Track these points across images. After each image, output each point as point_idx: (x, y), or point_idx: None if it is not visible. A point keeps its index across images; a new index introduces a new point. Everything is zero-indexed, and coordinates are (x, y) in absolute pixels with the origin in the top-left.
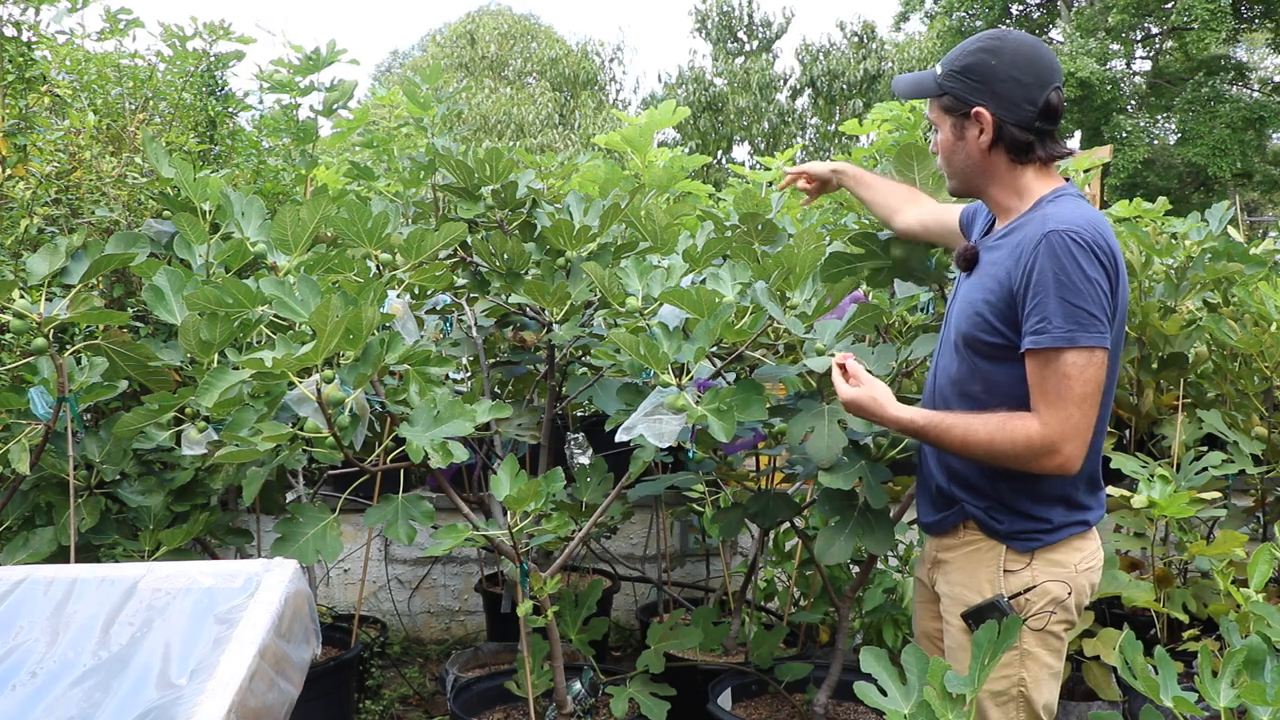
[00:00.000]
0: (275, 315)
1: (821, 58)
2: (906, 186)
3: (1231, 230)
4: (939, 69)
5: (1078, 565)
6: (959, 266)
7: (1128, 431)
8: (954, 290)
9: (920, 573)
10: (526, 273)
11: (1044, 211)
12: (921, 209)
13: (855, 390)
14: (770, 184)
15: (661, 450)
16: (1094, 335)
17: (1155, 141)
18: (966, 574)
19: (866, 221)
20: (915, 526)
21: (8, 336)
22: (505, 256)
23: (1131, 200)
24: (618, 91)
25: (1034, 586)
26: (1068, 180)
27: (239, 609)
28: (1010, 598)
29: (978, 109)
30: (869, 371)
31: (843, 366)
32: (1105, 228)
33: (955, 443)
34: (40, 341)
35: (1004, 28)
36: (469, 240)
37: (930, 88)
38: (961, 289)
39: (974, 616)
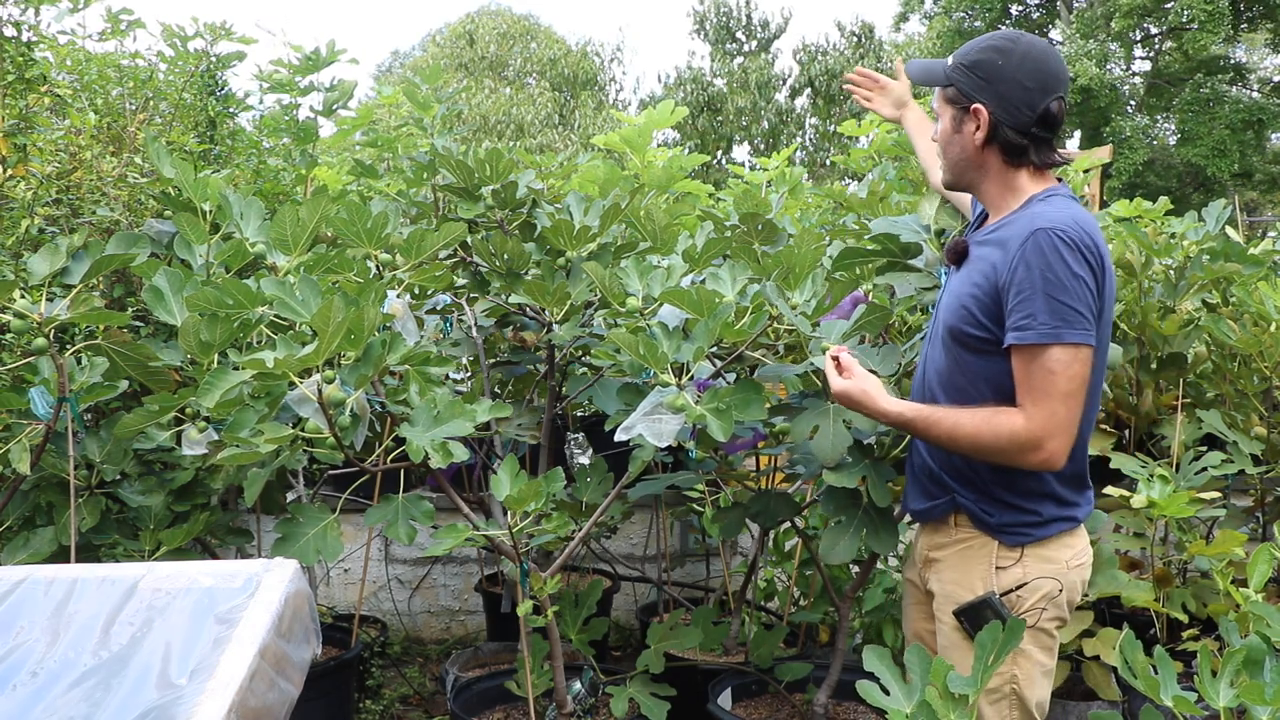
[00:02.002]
0: (275, 316)
1: (820, 57)
2: None
3: (1230, 230)
4: (950, 59)
5: (1069, 562)
6: (948, 260)
7: (1127, 431)
8: (944, 284)
9: (910, 574)
10: (526, 273)
11: (1033, 210)
12: None
13: (846, 382)
14: (769, 184)
15: (661, 450)
16: (1079, 332)
17: (1155, 142)
18: (959, 571)
19: (865, 221)
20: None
21: (8, 336)
22: (505, 256)
23: (1131, 200)
24: (617, 92)
25: (1026, 583)
26: (1061, 181)
27: (239, 609)
28: (1002, 594)
29: (976, 105)
30: (871, 370)
31: (836, 360)
32: (1093, 227)
33: (942, 436)
34: (41, 341)
35: (1020, 30)
36: (469, 240)
37: (939, 76)
38: (951, 282)
39: (966, 614)
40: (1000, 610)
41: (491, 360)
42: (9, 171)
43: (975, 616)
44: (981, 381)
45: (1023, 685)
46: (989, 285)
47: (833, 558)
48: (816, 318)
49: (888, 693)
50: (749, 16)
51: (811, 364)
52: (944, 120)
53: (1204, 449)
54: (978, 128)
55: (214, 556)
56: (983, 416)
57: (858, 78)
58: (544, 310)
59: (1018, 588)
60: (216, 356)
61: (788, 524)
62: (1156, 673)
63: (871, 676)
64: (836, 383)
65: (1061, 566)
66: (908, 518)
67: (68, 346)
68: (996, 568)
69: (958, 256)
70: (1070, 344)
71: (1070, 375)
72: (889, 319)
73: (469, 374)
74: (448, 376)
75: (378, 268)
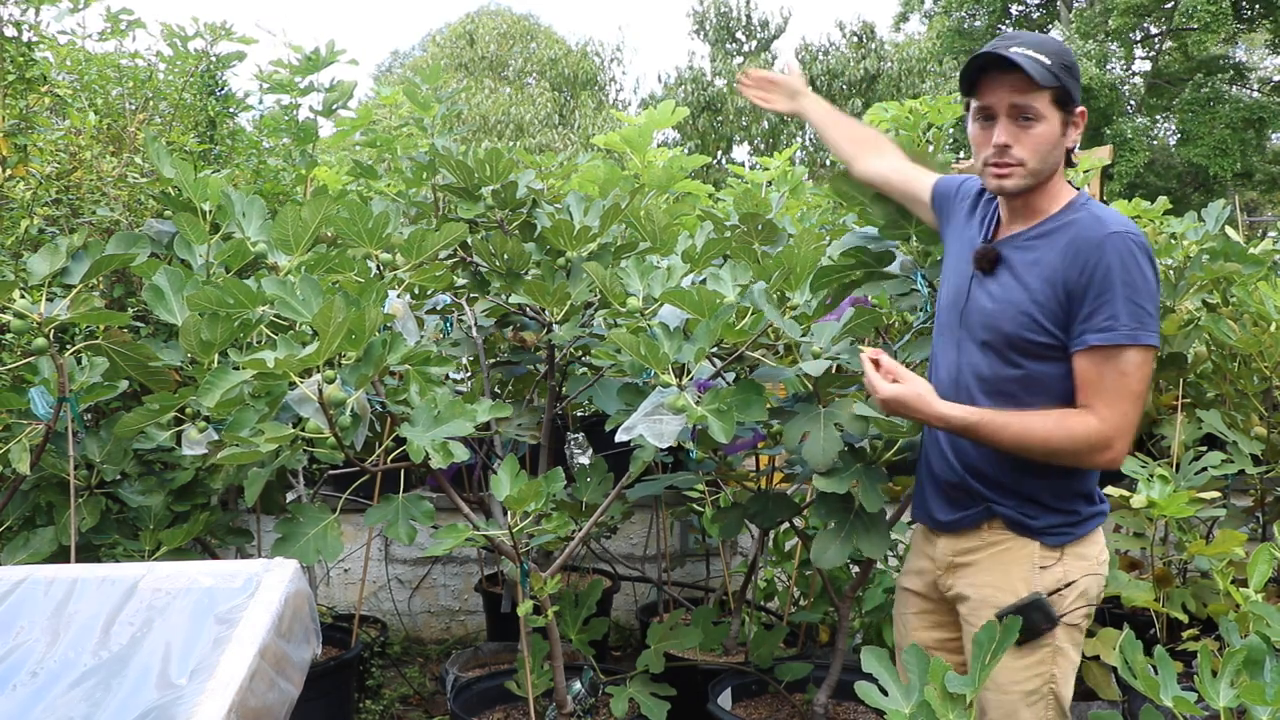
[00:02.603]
0: (276, 315)
1: (821, 57)
2: (875, 133)
3: (1230, 230)
4: (1044, 57)
5: (1098, 557)
6: (977, 266)
7: None
8: (964, 283)
9: (912, 583)
10: (526, 273)
11: (1087, 213)
12: (886, 160)
13: (897, 387)
14: (770, 184)
15: (661, 450)
16: (1152, 335)
17: (1155, 142)
18: (996, 574)
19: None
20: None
21: (8, 336)
22: (505, 256)
23: (1131, 200)
24: (617, 92)
25: (1071, 583)
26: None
27: (239, 609)
28: (1048, 594)
29: (1082, 110)
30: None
31: (875, 362)
32: None
33: (1010, 440)
34: (41, 341)
35: None
36: (469, 240)
37: (1048, 74)
38: (991, 288)
39: (1013, 616)
40: (1049, 610)
41: (491, 360)
42: (9, 171)
43: (1024, 618)
44: (1037, 385)
45: (1060, 684)
46: (1051, 290)
47: (824, 562)
48: (817, 319)
49: (886, 693)
50: (749, 16)
51: (801, 369)
52: (1050, 123)
53: (1204, 449)
54: (1077, 131)
55: (214, 556)
56: (1054, 419)
57: (749, 81)
58: (544, 310)
59: (1063, 587)
60: (217, 356)
61: (787, 524)
62: (1156, 673)
63: (870, 678)
64: (885, 389)
65: (1094, 562)
66: (904, 518)
67: (68, 346)
68: (1040, 568)
69: (991, 263)
70: (1145, 345)
71: (1141, 376)
72: (879, 321)
73: (469, 374)
74: (448, 376)
75: (378, 268)
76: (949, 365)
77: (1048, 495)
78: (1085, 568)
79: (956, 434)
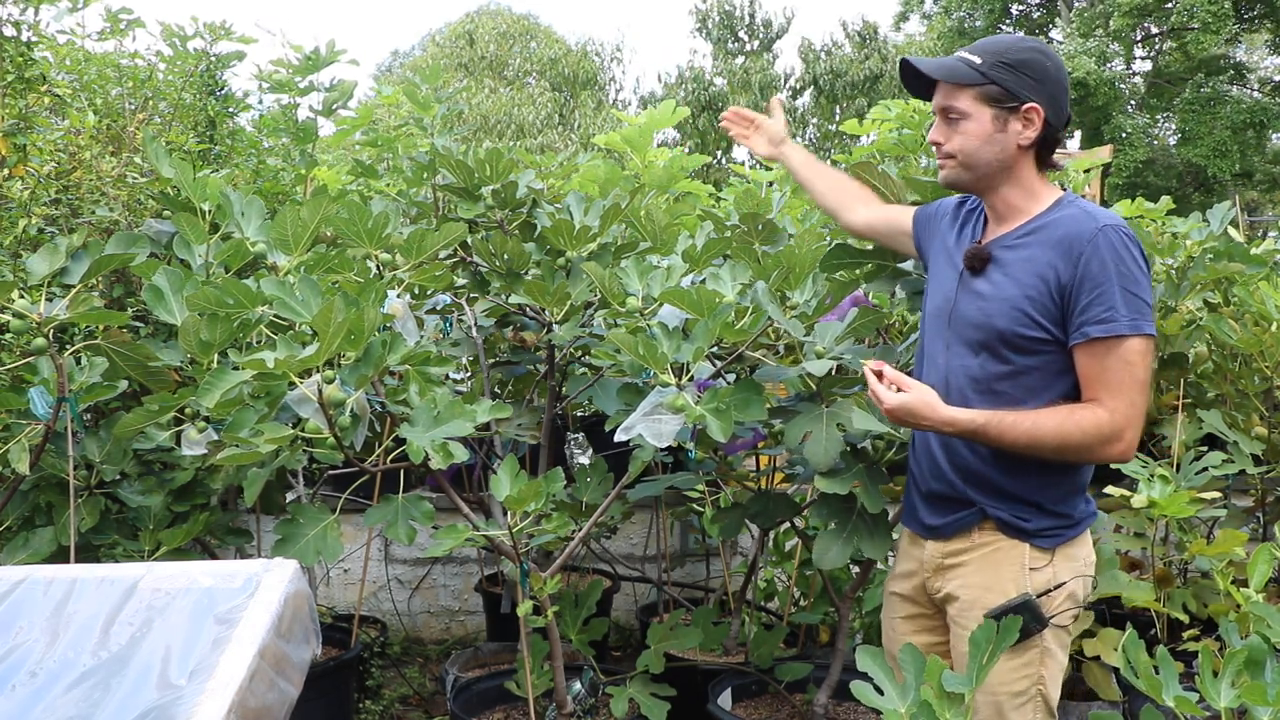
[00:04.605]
0: (275, 316)
1: (824, 56)
2: (854, 181)
3: (1231, 230)
4: (975, 57)
5: (1086, 559)
6: (967, 266)
7: None
8: (949, 288)
9: (899, 586)
10: (526, 273)
11: (1077, 209)
12: (870, 208)
13: (904, 396)
14: (771, 184)
15: (661, 450)
16: (1150, 324)
17: (1155, 141)
18: (986, 575)
19: None
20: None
21: (8, 336)
22: (505, 256)
23: (1133, 200)
24: (617, 91)
25: (1061, 584)
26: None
27: (239, 609)
28: (1037, 596)
29: (1033, 105)
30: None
31: (878, 374)
32: None
33: (1020, 438)
34: (40, 341)
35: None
36: (469, 240)
37: (970, 74)
38: (973, 286)
39: (1002, 617)
40: (1039, 612)
41: (491, 360)
42: (9, 171)
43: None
44: (1033, 382)
45: (1048, 685)
46: (1045, 286)
47: (825, 563)
48: (816, 318)
49: (882, 693)
50: (752, 15)
51: (804, 368)
52: (978, 120)
53: (1204, 449)
54: (1027, 127)
55: (214, 556)
56: (1063, 414)
57: (733, 116)
58: (544, 310)
59: (1054, 588)
60: (216, 356)
61: (787, 524)
62: (1158, 673)
63: (867, 677)
64: (891, 398)
65: (1082, 564)
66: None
67: (67, 346)
68: (1030, 569)
69: (981, 263)
70: (1145, 335)
71: (1145, 365)
72: (883, 321)
73: (469, 374)
74: (448, 376)
75: (378, 268)
76: (938, 370)
77: (1046, 498)
78: (1074, 569)
79: (965, 437)
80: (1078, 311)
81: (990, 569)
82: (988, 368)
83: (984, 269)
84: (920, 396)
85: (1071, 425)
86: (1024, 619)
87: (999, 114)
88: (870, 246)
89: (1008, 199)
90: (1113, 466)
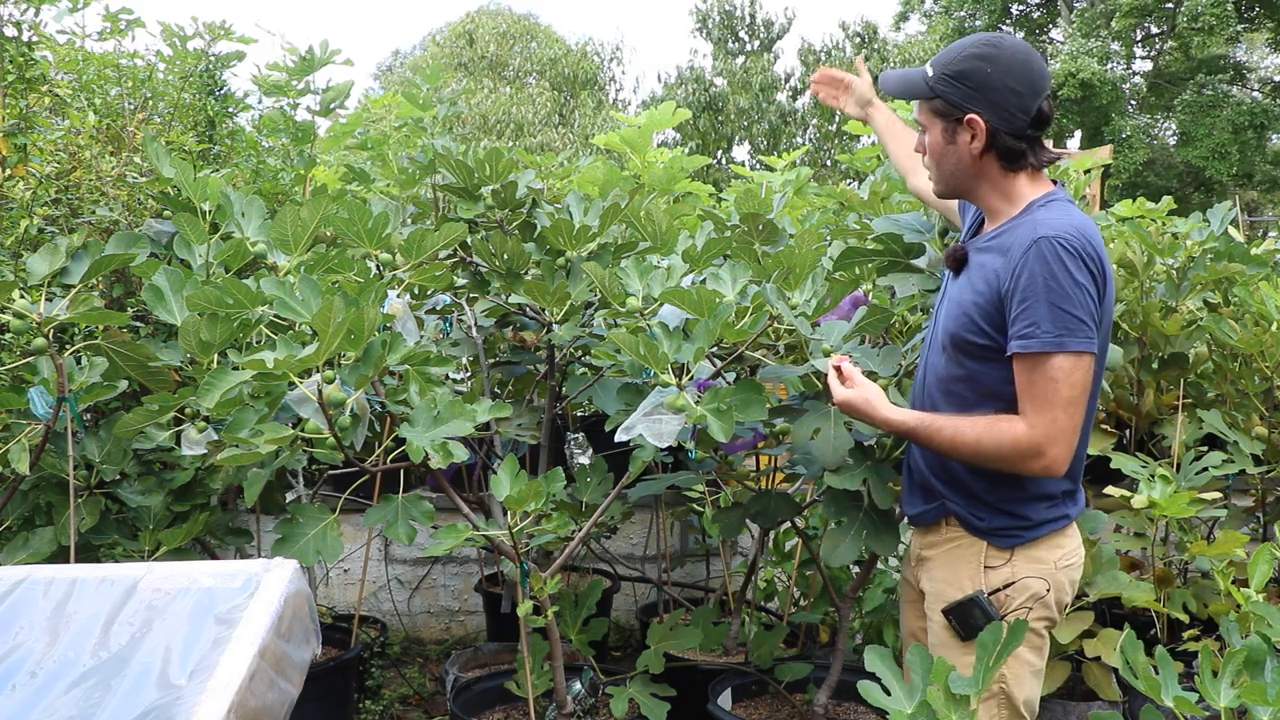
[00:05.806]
0: (275, 316)
1: (824, 57)
2: None
3: (1231, 230)
4: (930, 70)
5: (1057, 562)
6: (948, 266)
7: (1128, 431)
8: (942, 289)
9: (906, 572)
10: (526, 273)
11: (1034, 216)
12: None
13: (848, 391)
14: (777, 184)
15: (661, 450)
16: (1081, 340)
17: (1155, 142)
18: (948, 570)
19: (867, 221)
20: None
21: (8, 336)
22: (505, 256)
23: (1134, 200)
24: (617, 91)
25: (1014, 582)
26: (1057, 184)
27: (239, 609)
28: (990, 594)
29: (971, 116)
30: (869, 374)
31: (838, 368)
32: (1094, 234)
33: (944, 444)
34: (40, 341)
35: (998, 33)
36: (469, 240)
37: (921, 89)
38: (950, 289)
39: (954, 613)
40: (988, 609)
41: (491, 360)
42: (9, 171)
43: (963, 615)
44: (982, 388)
45: (1011, 684)
46: (991, 292)
47: (834, 560)
48: (816, 318)
49: (889, 693)
50: (752, 15)
51: (812, 365)
52: (933, 133)
53: (1205, 449)
54: (974, 138)
55: (214, 556)
56: (984, 424)
57: (823, 79)
58: (544, 310)
59: (1005, 587)
60: (216, 356)
61: (788, 524)
62: (1158, 673)
63: (873, 677)
64: (839, 392)
65: (1050, 567)
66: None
67: (67, 346)
68: (986, 567)
69: (957, 263)
70: (1073, 352)
71: (1073, 383)
72: (890, 320)
73: (469, 374)
74: (448, 376)
75: (378, 268)
76: (922, 366)
77: (991, 497)
78: (1038, 570)
79: (900, 437)
80: (1010, 324)
81: (951, 565)
82: (948, 369)
83: (960, 270)
84: (861, 394)
85: (989, 438)
86: (975, 615)
87: (947, 126)
88: (880, 246)
89: (987, 202)
90: (1113, 466)
